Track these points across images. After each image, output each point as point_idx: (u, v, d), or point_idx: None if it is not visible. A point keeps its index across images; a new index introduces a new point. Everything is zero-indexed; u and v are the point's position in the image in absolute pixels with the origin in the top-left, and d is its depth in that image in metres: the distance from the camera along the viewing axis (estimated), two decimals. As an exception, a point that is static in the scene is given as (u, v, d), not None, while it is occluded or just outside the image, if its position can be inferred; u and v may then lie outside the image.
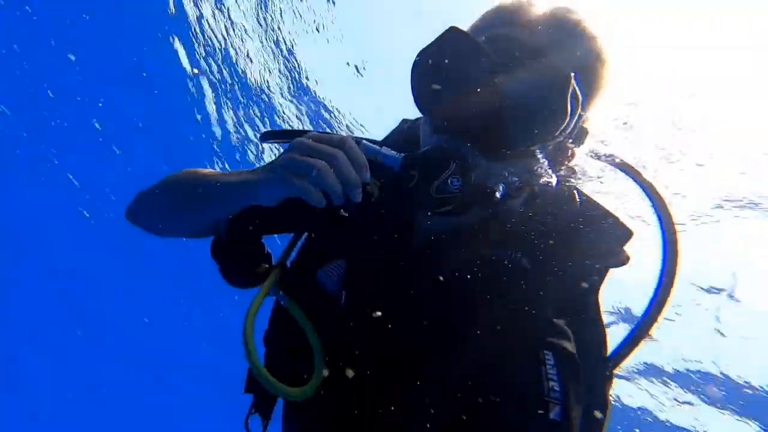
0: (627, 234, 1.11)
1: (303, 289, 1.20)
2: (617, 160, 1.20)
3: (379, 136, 1.37)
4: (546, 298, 1.02)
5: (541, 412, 0.84)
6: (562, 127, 0.98)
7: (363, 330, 1.08)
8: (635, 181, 1.19)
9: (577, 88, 0.99)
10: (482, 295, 1.01)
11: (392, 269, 1.10)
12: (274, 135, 1.31)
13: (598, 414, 1.04)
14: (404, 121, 1.38)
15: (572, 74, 0.96)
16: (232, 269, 1.25)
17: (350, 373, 1.08)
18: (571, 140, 1.10)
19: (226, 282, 1.27)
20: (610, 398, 1.07)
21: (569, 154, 1.13)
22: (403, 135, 1.32)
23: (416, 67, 1.08)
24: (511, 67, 0.99)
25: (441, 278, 1.04)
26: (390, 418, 1.04)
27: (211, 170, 1.27)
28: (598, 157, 1.20)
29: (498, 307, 0.99)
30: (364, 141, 1.04)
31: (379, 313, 1.07)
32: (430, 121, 1.09)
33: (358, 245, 1.16)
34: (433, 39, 1.06)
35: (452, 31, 1.04)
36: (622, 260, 1.09)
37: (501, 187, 1.05)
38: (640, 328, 1.10)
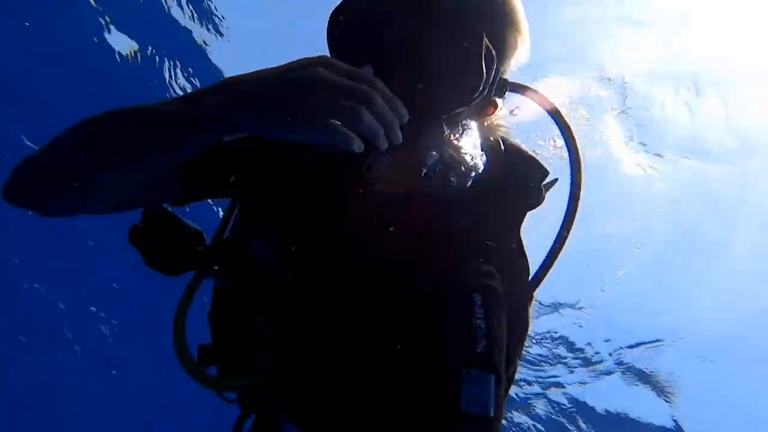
0: (544, 173, 1.20)
1: (241, 268, 1.13)
2: (536, 96, 1.23)
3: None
4: (480, 246, 1.10)
5: (470, 347, 0.97)
6: (479, 90, 1.02)
7: (319, 295, 1.07)
8: (549, 114, 1.23)
9: (490, 47, 1.02)
10: (427, 253, 1.07)
11: (341, 232, 1.09)
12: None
13: (521, 332, 1.16)
14: None
15: (483, 35, 0.99)
16: (158, 255, 1.18)
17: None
18: (493, 94, 1.14)
19: (152, 269, 1.20)
20: (531, 316, 1.19)
21: (493, 106, 1.18)
22: None
23: (334, 25, 1.07)
24: (428, 26, 1.01)
25: (391, 239, 1.07)
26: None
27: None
28: (514, 89, 1.22)
29: (442, 262, 1.06)
30: None
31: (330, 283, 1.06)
32: None
33: (296, 212, 1.12)
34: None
35: None
36: (539, 201, 1.19)
37: (430, 160, 1.06)
38: (552, 254, 1.21)
